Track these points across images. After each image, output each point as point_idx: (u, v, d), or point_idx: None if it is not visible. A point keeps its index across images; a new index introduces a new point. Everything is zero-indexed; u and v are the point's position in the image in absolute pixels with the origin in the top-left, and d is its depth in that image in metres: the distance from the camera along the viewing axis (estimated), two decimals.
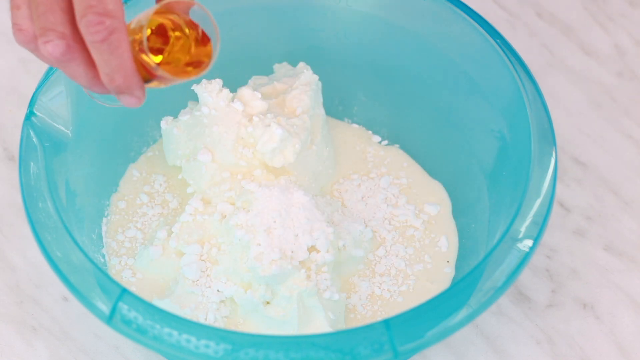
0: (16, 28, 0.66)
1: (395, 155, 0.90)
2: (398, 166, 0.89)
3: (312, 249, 0.80)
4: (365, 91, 0.91)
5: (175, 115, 0.86)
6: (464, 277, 0.72)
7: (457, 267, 0.84)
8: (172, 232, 0.83)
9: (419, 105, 0.89)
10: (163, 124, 0.85)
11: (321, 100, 0.87)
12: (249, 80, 0.87)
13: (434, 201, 0.87)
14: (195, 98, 0.84)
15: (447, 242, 0.85)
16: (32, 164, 0.76)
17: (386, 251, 0.85)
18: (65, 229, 0.74)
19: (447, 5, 0.83)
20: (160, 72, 0.68)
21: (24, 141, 0.77)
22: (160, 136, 0.89)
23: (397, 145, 0.91)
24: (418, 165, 0.89)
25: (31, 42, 0.66)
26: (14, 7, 0.66)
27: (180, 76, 0.69)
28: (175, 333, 0.69)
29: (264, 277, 0.77)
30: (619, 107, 0.96)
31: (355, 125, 0.92)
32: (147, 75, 0.68)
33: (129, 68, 0.66)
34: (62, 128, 0.79)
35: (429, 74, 0.87)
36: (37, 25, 0.65)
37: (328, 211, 0.83)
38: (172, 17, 0.70)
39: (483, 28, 0.82)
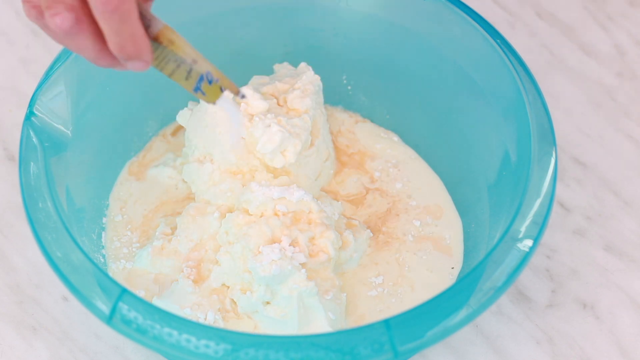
0: (29, 5, 0.66)
1: (400, 152, 0.90)
2: (401, 163, 0.89)
3: (312, 249, 0.80)
4: (365, 91, 0.91)
5: (174, 116, 0.86)
6: (464, 277, 0.72)
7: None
8: (172, 232, 0.83)
9: (418, 106, 0.89)
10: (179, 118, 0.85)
11: (322, 100, 0.87)
12: (250, 80, 0.87)
13: (436, 199, 0.87)
14: (195, 98, 0.84)
15: (451, 241, 0.85)
16: (32, 164, 0.76)
17: (387, 250, 0.85)
18: (65, 229, 0.74)
19: (447, 5, 0.83)
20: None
21: (24, 141, 0.77)
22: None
23: (400, 140, 0.91)
24: (422, 160, 0.90)
25: (40, 16, 0.66)
26: None
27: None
28: (175, 333, 0.69)
29: (264, 278, 0.78)
30: (619, 107, 0.96)
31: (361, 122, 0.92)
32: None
33: (140, 35, 0.66)
34: (62, 128, 0.79)
35: (429, 74, 0.87)
36: None
37: (328, 211, 0.83)
38: None
39: (483, 28, 0.82)
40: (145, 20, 0.68)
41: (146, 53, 0.67)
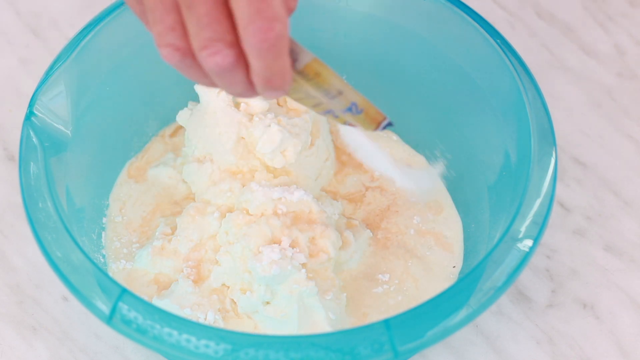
0: (172, 48, 0.63)
1: (399, 151, 0.90)
2: (400, 162, 0.90)
3: (312, 249, 0.80)
4: (365, 91, 0.91)
5: (174, 116, 0.86)
6: (464, 277, 0.72)
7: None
8: (172, 232, 0.83)
9: (418, 106, 0.89)
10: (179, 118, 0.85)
11: None
12: None
13: (436, 198, 0.87)
14: (195, 98, 0.84)
15: (450, 240, 0.85)
16: (32, 164, 0.76)
17: (392, 247, 0.85)
18: (65, 229, 0.74)
19: (447, 5, 0.83)
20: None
21: (24, 141, 0.77)
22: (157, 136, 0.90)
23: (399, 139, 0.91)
24: (423, 159, 0.90)
25: (187, 58, 0.63)
26: (167, 29, 0.62)
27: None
28: (175, 333, 0.69)
29: (264, 278, 0.78)
30: (619, 107, 0.96)
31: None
32: None
33: (288, 70, 0.63)
34: (62, 128, 0.79)
35: (429, 74, 0.87)
36: (200, 38, 0.62)
37: (328, 211, 0.83)
38: None
39: (483, 28, 0.82)
40: (293, 54, 0.65)
41: (288, 85, 0.64)
